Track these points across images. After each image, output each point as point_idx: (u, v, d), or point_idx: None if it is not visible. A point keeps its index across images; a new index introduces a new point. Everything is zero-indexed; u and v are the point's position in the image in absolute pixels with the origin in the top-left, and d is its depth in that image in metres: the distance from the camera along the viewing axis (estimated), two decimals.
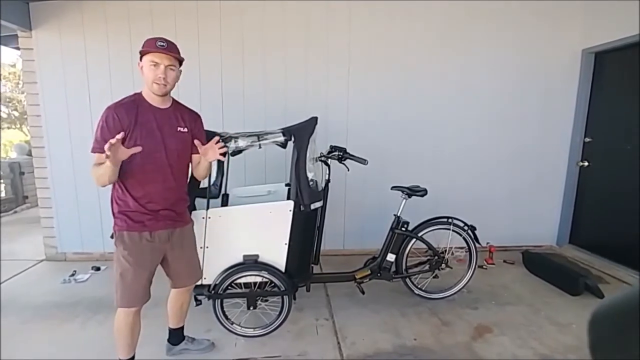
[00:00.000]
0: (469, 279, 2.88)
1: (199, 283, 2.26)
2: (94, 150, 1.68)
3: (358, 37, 3.54)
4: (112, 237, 1.79)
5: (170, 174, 1.81)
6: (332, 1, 3.47)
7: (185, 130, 1.84)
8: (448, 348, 2.28)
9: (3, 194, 6.60)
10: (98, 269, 3.44)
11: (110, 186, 1.75)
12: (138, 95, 1.76)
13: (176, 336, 2.18)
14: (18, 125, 13.49)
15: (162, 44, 1.67)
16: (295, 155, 2.22)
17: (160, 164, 1.76)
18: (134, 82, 3.43)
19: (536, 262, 3.42)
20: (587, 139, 3.74)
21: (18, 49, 3.54)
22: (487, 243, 3.56)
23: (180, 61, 1.76)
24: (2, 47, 4.57)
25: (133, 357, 1.90)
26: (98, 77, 3.46)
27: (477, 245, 2.82)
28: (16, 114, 13.34)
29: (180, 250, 1.91)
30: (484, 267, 3.51)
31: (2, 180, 6.34)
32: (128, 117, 1.68)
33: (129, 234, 1.74)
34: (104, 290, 3.00)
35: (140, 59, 1.71)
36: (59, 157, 3.56)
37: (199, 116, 1.95)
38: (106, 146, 1.49)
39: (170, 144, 1.78)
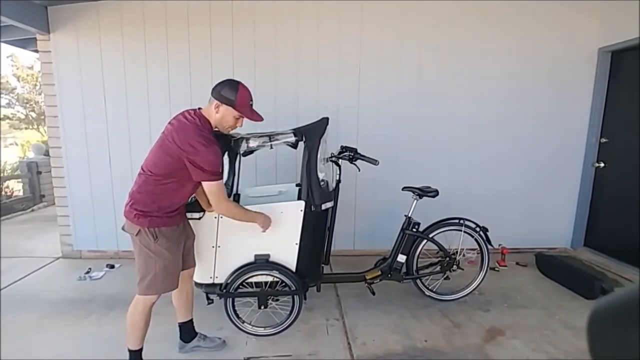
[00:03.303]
0: (481, 281, 2.84)
1: (209, 282, 2.30)
2: (220, 178, 1.82)
3: (370, 36, 3.53)
4: (137, 233, 1.83)
5: None
6: (344, 1, 3.47)
7: None
8: (459, 350, 2.26)
9: (21, 193, 6.78)
10: (112, 266, 3.51)
11: (130, 182, 1.92)
12: (210, 125, 1.88)
13: (187, 332, 2.21)
14: (35, 126, 13.83)
15: (252, 104, 1.91)
16: (306, 156, 2.23)
17: None
18: (148, 84, 3.51)
19: (550, 265, 3.36)
20: (603, 140, 3.66)
21: (36, 51, 3.63)
22: (500, 245, 3.52)
23: None
24: (21, 49, 4.69)
25: (141, 349, 1.95)
26: (113, 79, 3.53)
27: (489, 246, 2.78)
28: (33, 114, 13.69)
29: (189, 234, 2.11)
30: (496, 269, 3.47)
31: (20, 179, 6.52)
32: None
33: (169, 228, 1.86)
34: (118, 288, 3.06)
35: (225, 104, 1.84)
36: (75, 157, 3.64)
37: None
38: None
39: None
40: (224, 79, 1.92)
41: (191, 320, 2.23)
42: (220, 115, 1.85)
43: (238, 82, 1.89)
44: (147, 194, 1.82)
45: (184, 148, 1.74)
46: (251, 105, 1.91)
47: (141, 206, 1.82)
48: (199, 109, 1.90)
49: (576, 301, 2.87)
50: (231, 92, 1.84)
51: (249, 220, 2.06)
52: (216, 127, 1.91)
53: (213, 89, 1.88)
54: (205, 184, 1.79)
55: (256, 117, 1.92)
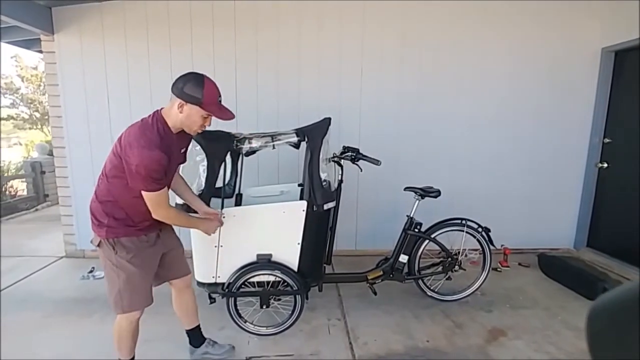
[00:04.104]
0: (483, 282, 2.84)
1: (212, 281, 2.30)
2: (160, 189, 1.63)
3: (371, 36, 3.53)
4: (98, 245, 1.72)
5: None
6: (345, 1, 3.48)
7: (184, 150, 1.87)
8: (461, 350, 2.26)
9: (25, 192, 6.83)
10: None
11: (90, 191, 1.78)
12: (163, 127, 1.66)
13: (195, 338, 2.17)
14: (39, 126, 13.90)
15: (221, 101, 1.69)
16: (308, 156, 2.24)
17: (168, 183, 1.78)
18: (151, 85, 3.52)
19: (553, 266, 3.35)
20: (607, 140, 3.65)
21: (41, 52, 3.66)
22: (502, 245, 3.51)
23: None
24: (25, 50, 4.72)
25: (133, 357, 1.93)
26: (116, 80, 3.56)
27: (491, 247, 2.78)
28: (37, 115, 13.76)
29: (171, 244, 1.94)
30: (499, 269, 3.46)
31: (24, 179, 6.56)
32: (167, 152, 1.61)
33: (129, 238, 1.71)
34: None
35: (191, 103, 1.61)
36: (79, 157, 3.67)
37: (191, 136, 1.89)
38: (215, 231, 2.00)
39: (176, 166, 1.86)
40: (186, 72, 1.68)
41: (198, 327, 2.18)
42: (184, 115, 1.63)
43: (203, 76, 1.66)
44: (101, 202, 1.70)
45: (124, 147, 1.58)
46: (219, 101, 1.69)
47: (98, 215, 1.70)
48: (161, 109, 1.70)
49: (579, 302, 2.86)
50: (196, 88, 1.61)
51: (190, 227, 1.98)
52: (180, 129, 1.71)
53: (173, 85, 1.65)
54: (143, 193, 1.61)
55: (226, 114, 1.69)
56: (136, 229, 1.73)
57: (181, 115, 1.64)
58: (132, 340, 1.87)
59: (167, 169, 1.64)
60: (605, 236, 3.69)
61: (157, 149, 1.55)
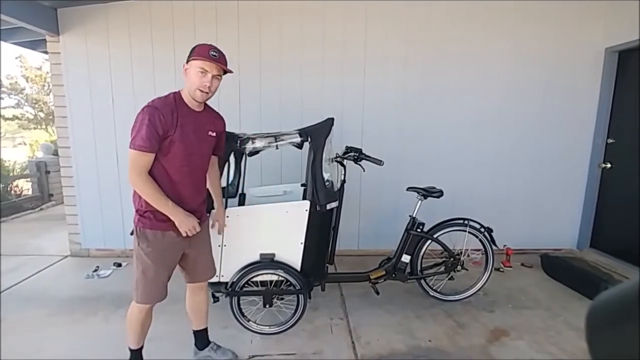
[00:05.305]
0: (485, 282, 2.84)
1: (215, 280, 2.32)
2: (141, 149, 1.61)
3: (374, 37, 3.54)
4: (132, 233, 1.81)
5: (201, 177, 1.89)
6: (348, 1, 3.49)
7: (214, 135, 1.89)
8: (463, 350, 2.27)
9: (30, 192, 6.88)
10: (119, 265, 3.55)
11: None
12: (177, 96, 1.76)
13: (201, 340, 2.17)
14: (44, 126, 13.98)
15: (214, 53, 1.70)
16: (311, 156, 2.25)
17: (194, 168, 1.80)
18: (155, 86, 3.54)
19: (555, 266, 3.35)
20: (610, 140, 3.64)
21: (46, 52, 3.69)
22: (504, 245, 3.51)
23: (226, 72, 1.78)
24: (30, 51, 4.76)
25: (142, 347, 1.96)
26: (121, 80, 3.58)
27: (493, 247, 2.78)
28: (42, 115, 13.83)
29: (199, 247, 1.95)
30: (501, 269, 3.46)
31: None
32: (172, 118, 1.67)
33: (154, 232, 1.74)
34: (126, 286, 3.08)
35: (187, 62, 1.72)
36: (84, 157, 3.70)
37: (224, 121, 1.99)
38: (192, 230, 1.75)
39: (203, 148, 1.84)
40: None
41: (205, 329, 2.18)
42: (188, 77, 1.73)
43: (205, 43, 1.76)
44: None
45: None
46: (212, 55, 1.71)
47: (135, 203, 1.77)
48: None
49: (581, 302, 2.86)
50: (193, 49, 1.74)
51: (160, 208, 1.70)
52: (194, 99, 1.75)
53: None
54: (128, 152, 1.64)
55: (219, 62, 1.71)
56: (162, 224, 1.73)
57: (186, 80, 1.74)
58: (141, 329, 1.89)
59: (169, 136, 1.66)
60: (609, 237, 3.68)
61: (158, 106, 1.64)
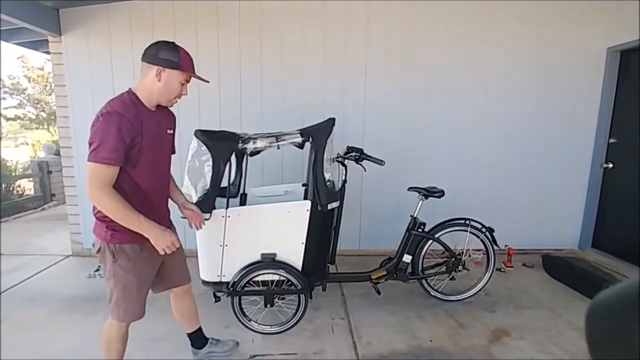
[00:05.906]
0: (487, 282, 2.84)
1: (217, 280, 2.32)
2: (106, 162, 1.45)
3: (376, 36, 3.54)
4: (98, 251, 1.65)
5: (168, 181, 1.80)
6: (350, 1, 3.49)
7: (172, 132, 1.77)
8: (465, 350, 2.27)
9: (32, 192, 6.90)
10: None
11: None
12: (134, 97, 1.58)
13: (197, 340, 2.15)
14: (46, 126, 14.02)
15: (192, 64, 1.63)
16: (312, 156, 2.25)
17: (162, 172, 1.72)
18: None
19: (557, 266, 3.34)
20: (612, 140, 3.63)
21: (48, 53, 3.70)
22: (506, 245, 3.51)
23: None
24: (32, 51, 4.78)
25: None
26: (122, 81, 3.57)
27: (495, 247, 2.78)
28: (44, 115, 13.87)
29: (173, 255, 1.72)
30: (502, 270, 3.45)
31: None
32: (136, 124, 1.51)
33: (131, 245, 1.60)
34: None
35: (166, 67, 1.56)
36: (85, 157, 3.68)
37: (174, 115, 1.82)
38: (170, 247, 1.57)
39: (165, 149, 1.73)
40: (154, 42, 1.62)
41: (199, 329, 2.14)
42: (163, 83, 1.56)
43: (174, 42, 1.62)
44: None
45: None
46: (193, 66, 1.64)
47: (101, 215, 1.56)
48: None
49: (583, 302, 2.85)
50: (172, 52, 1.57)
51: (132, 227, 1.53)
52: (156, 103, 1.62)
53: (144, 54, 1.59)
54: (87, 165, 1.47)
55: (203, 78, 1.67)
56: (138, 235, 1.56)
57: (159, 84, 1.57)
58: (122, 345, 1.79)
59: (136, 144, 1.51)
60: (610, 237, 3.67)
61: (121, 112, 1.47)
